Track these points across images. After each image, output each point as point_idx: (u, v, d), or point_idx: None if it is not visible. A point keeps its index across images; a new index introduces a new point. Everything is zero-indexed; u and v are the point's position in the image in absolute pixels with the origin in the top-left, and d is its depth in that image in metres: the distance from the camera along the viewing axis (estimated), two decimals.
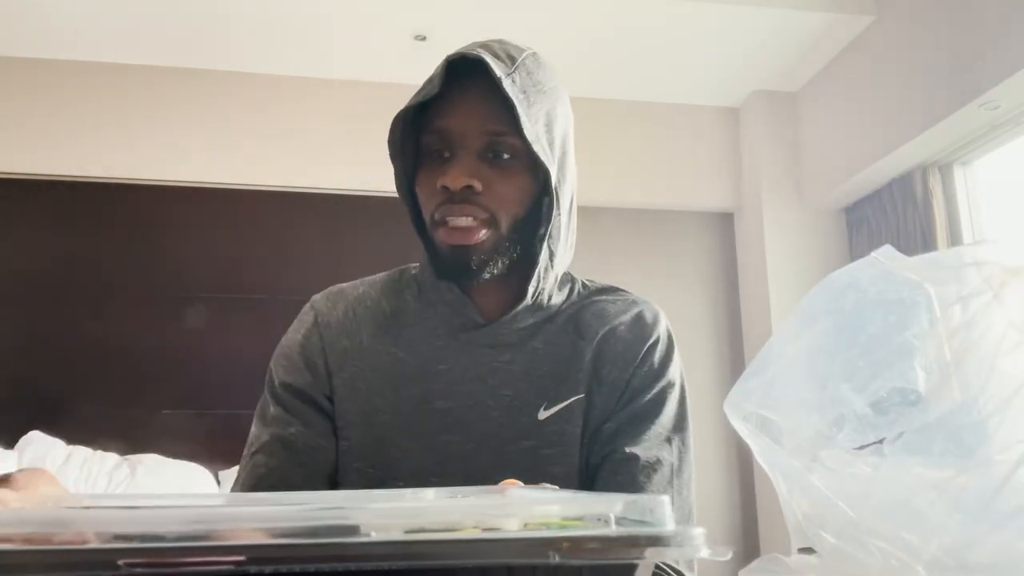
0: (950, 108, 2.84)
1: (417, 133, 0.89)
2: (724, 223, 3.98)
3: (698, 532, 0.35)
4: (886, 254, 0.57)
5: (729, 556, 0.41)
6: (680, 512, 0.88)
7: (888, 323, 0.56)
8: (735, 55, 3.51)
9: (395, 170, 0.90)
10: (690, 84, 3.76)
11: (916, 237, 3.14)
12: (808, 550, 0.59)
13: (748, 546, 3.63)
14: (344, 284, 0.97)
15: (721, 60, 3.55)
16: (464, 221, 0.83)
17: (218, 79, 3.55)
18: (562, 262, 0.93)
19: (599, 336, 0.91)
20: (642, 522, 0.35)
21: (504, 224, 0.85)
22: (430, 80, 0.85)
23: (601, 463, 0.87)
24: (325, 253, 3.45)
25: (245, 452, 0.89)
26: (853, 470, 0.55)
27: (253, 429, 0.90)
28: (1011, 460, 0.48)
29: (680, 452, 0.90)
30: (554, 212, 0.86)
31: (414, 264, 0.99)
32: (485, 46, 0.86)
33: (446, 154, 0.85)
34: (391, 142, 0.88)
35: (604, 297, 0.96)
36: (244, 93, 3.54)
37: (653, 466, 0.87)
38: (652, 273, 3.79)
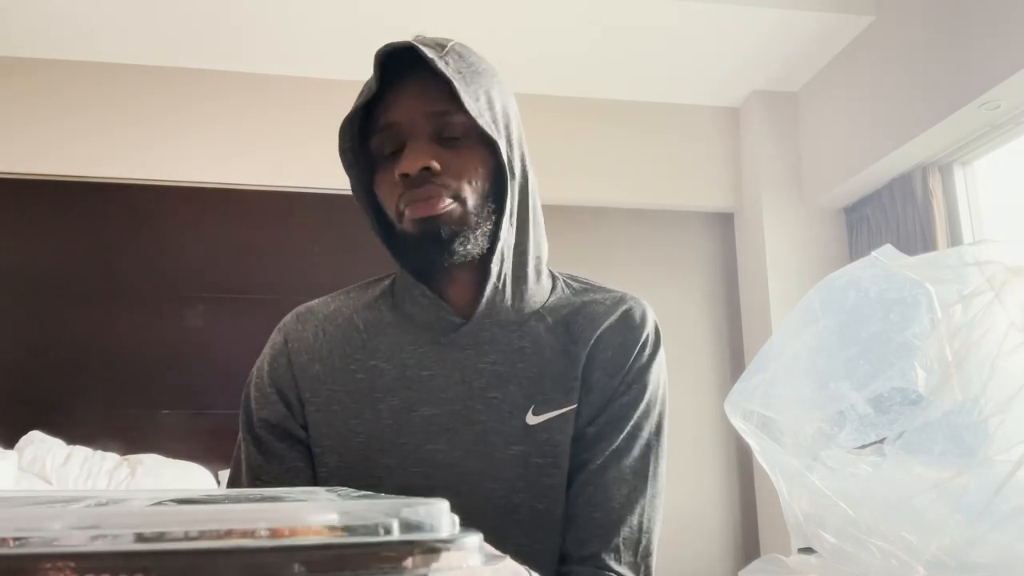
0: (950, 108, 2.84)
1: (368, 140, 0.88)
2: (724, 223, 3.98)
3: (472, 539, 0.33)
4: (886, 253, 0.57)
5: (505, 560, 0.39)
6: (648, 521, 0.86)
7: (889, 322, 0.56)
8: (735, 55, 3.51)
9: (351, 180, 0.89)
10: (690, 84, 3.76)
11: (916, 237, 3.14)
12: (808, 550, 0.59)
13: (748, 546, 3.63)
14: (315, 301, 0.96)
15: (721, 60, 3.55)
16: (430, 202, 0.82)
17: (218, 79, 3.55)
18: (542, 250, 0.91)
19: (592, 341, 0.89)
20: (419, 529, 0.32)
21: (470, 199, 0.83)
22: (367, 83, 0.85)
23: (579, 469, 0.86)
24: (325, 253, 3.45)
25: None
26: (853, 470, 0.55)
27: (232, 470, 0.89)
28: (1011, 460, 0.48)
29: (656, 459, 0.88)
30: (509, 185, 0.84)
31: (387, 274, 0.97)
32: (414, 37, 0.85)
33: (397, 149, 0.85)
34: (341, 152, 0.88)
35: (592, 297, 0.93)
36: (244, 93, 3.54)
37: (625, 477, 0.85)
38: (652, 273, 3.79)
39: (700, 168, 3.89)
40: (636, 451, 0.87)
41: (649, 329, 0.92)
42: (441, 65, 0.81)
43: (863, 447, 0.57)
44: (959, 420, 0.51)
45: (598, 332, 0.89)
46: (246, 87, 3.54)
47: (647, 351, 0.90)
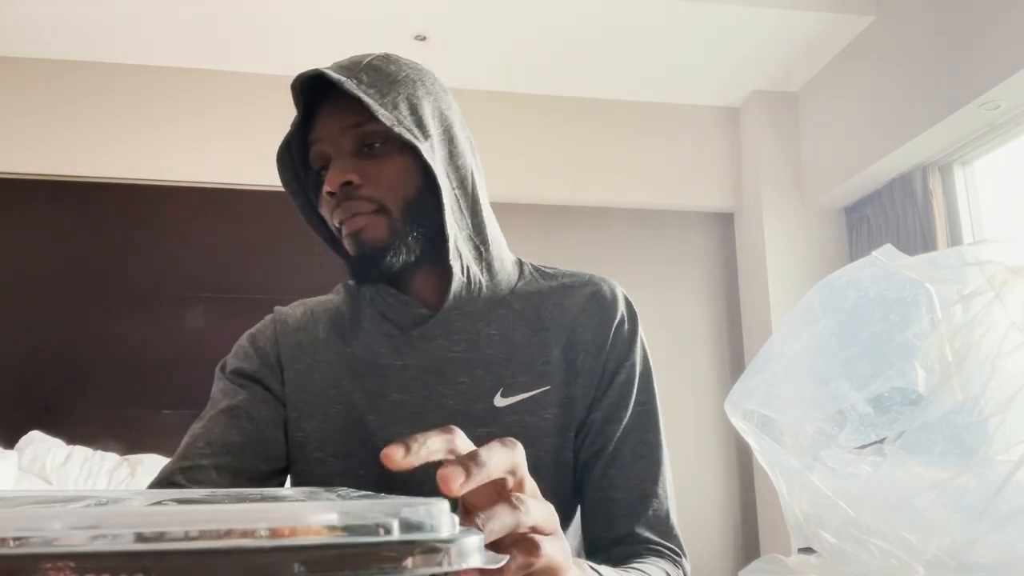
0: (950, 108, 2.84)
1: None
2: (724, 223, 3.98)
3: (472, 540, 0.32)
4: (887, 253, 0.57)
5: (503, 562, 0.39)
6: (666, 487, 0.89)
7: (889, 322, 0.56)
8: (735, 55, 3.51)
9: (298, 206, 0.94)
10: (690, 84, 3.76)
11: (916, 237, 3.14)
12: (808, 550, 0.59)
13: (748, 546, 3.63)
14: (308, 298, 1.01)
15: (721, 60, 3.56)
16: (354, 219, 0.86)
17: (218, 79, 3.55)
18: (495, 241, 0.93)
19: (564, 326, 0.91)
20: (419, 530, 0.32)
21: (395, 209, 0.86)
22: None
23: (595, 455, 0.88)
24: (325, 253, 3.45)
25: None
26: (853, 469, 0.55)
27: (205, 411, 0.94)
28: (1011, 460, 0.48)
29: (660, 426, 0.92)
30: (441, 187, 0.85)
31: None
32: (334, 63, 0.89)
33: (326, 167, 0.88)
34: (283, 182, 0.92)
35: (560, 282, 0.96)
36: (244, 93, 3.54)
37: (640, 452, 0.88)
38: (652, 273, 3.79)
39: (700, 168, 3.90)
40: (645, 424, 0.90)
41: (622, 305, 0.94)
42: (350, 85, 0.83)
43: (863, 447, 0.57)
44: (959, 420, 0.51)
45: (570, 317, 0.92)
46: (246, 87, 3.54)
47: (626, 325, 0.93)
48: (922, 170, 3.19)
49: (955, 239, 3.11)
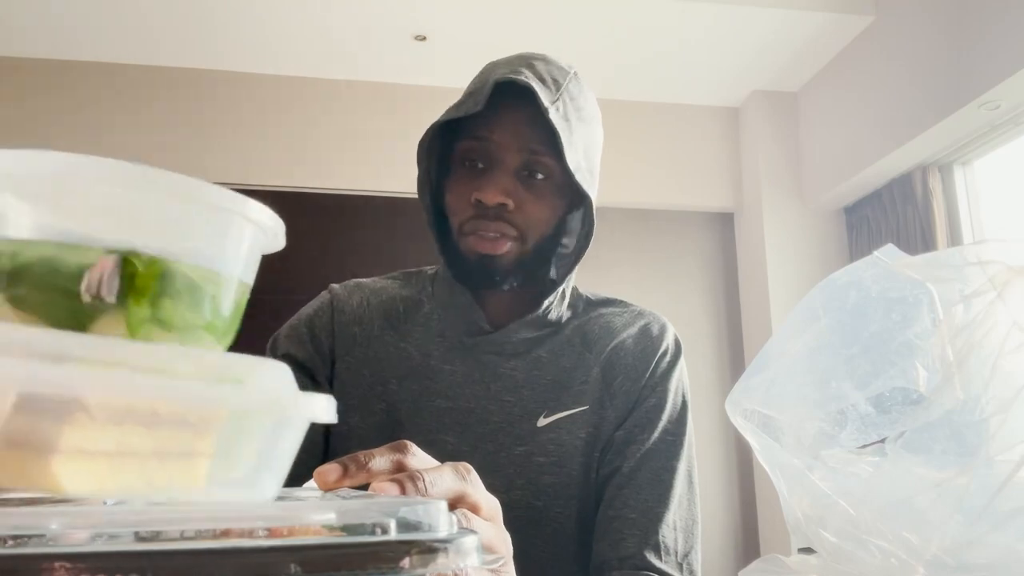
0: (950, 108, 2.84)
1: (446, 139, 0.90)
2: (724, 223, 3.98)
3: (470, 540, 0.32)
4: (888, 253, 0.57)
5: (502, 562, 0.38)
6: (685, 520, 0.88)
7: (890, 322, 0.56)
8: (735, 55, 3.51)
9: (420, 173, 0.91)
10: (690, 84, 3.76)
11: (916, 237, 3.14)
12: (808, 550, 0.58)
13: (748, 546, 3.63)
14: (364, 279, 0.99)
15: (721, 60, 3.55)
16: (494, 235, 0.85)
17: (218, 79, 3.55)
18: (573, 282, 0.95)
19: (608, 349, 0.92)
20: (416, 529, 0.32)
21: (531, 242, 0.87)
22: (471, 95, 0.86)
23: (612, 474, 0.88)
24: (325, 253, 3.45)
25: None
26: (854, 469, 0.55)
27: None
28: (1012, 460, 0.48)
29: (688, 460, 0.92)
30: (590, 239, 0.88)
31: (431, 266, 1.01)
32: (530, 65, 0.87)
33: (480, 165, 0.87)
34: (422, 146, 0.89)
35: (609, 310, 0.97)
36: (244, 93, 3.54)
37: (659, 477, 0.88)
38: (652, 273, 3.79)
39: (700, 168, 3.89)
40: (667, 451, 0.90)
41: (669, 340, 0.95)
42: (552, 113, 0.83)
43: (864, 447, 0.57)
44: (960, 420, 0.51)
45: (615, 341, 0.92)
46: (246, 87, 3.54)
47: (667, 358, 0.94)
48: (922, 170, 3.19)
49: (955, 239, 3.10)
